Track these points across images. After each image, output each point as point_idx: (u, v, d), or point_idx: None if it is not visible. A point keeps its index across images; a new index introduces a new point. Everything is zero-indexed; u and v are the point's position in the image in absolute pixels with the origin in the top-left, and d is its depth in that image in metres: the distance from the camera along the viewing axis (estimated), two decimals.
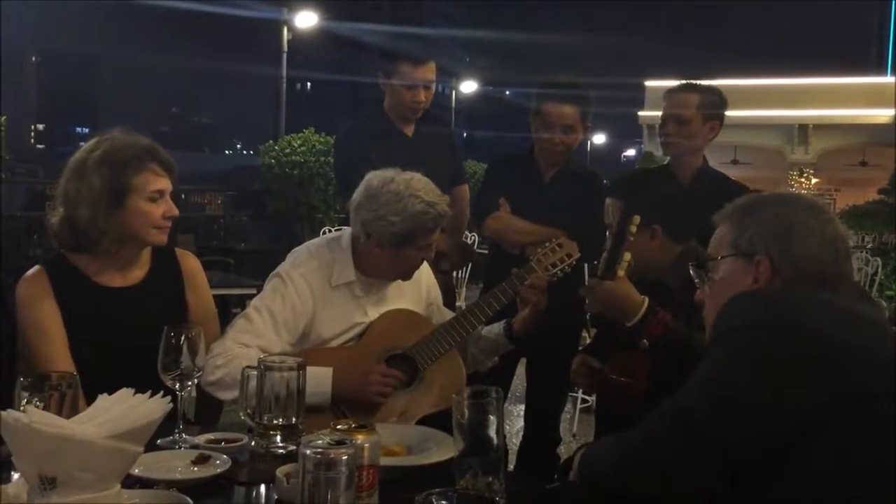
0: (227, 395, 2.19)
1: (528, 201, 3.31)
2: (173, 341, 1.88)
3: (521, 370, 3.49)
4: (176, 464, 1.69)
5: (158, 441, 1.79)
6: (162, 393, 1.39)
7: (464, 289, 8.77)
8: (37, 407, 1.44)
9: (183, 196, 12.92)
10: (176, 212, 2.27)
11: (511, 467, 3.19)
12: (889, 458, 1.37)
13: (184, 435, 1.86)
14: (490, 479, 1.47)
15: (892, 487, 1.36)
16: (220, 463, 1.69)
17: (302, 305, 2.32)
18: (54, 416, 1.30)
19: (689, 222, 2.34)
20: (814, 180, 20.53)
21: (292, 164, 12.58)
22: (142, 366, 1.86)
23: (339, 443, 1.32)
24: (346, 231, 2.45)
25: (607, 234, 2.34)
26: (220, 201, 14.50)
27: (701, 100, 3.14)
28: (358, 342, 2.37)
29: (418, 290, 2.53)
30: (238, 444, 1.83)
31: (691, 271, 1.77)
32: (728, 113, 3.23)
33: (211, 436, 1.87)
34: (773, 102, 19.63)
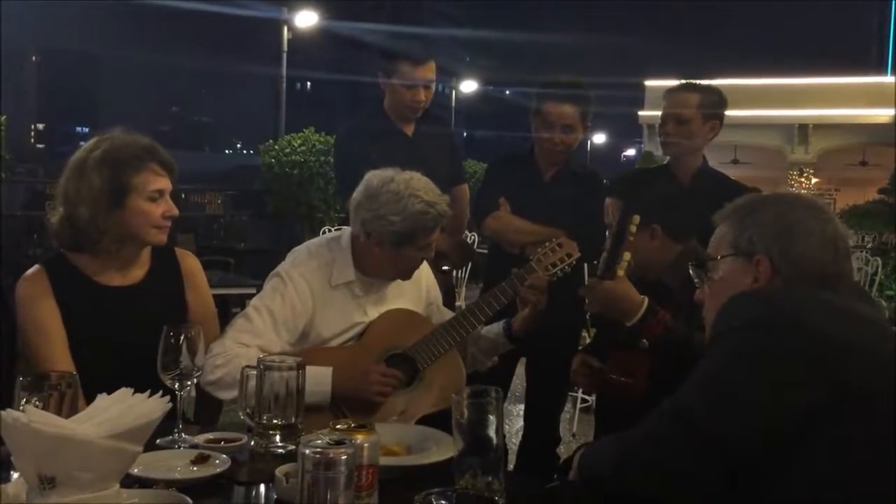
0: (226, 395, 2.19)
1: (528, 201, 3.31)
2: (173, 341, 1.88)
3: (520, 370, 3.49)
4: (175, 463, 1.68)
5: (158, 441, 1.78)
6: (161, 392, 1.39)
7: (463, 288, 8.77)
8: (36, 406, 1.44)
9: (183, 196, 12.92)
10: (176, 211, 2.27)
11: (511, 467, 3.19)
12: (889, 457, 1.36)
13: (183, 434, 1.86)
14: (490, 478, 1.47)
15: (892, 487, 1.36)
16: (220, 462, 1.69)
17: (301, 305, 2.32)
18: (53, 416, 1.30)
19: (689, 222, 2.33)
20: (814, 180, 20.55)
21: (292, 163, 12.58)
22: (141, 365, 1.86)
23: (339, 442, 1.32)
24: (346, 231, 2.44)
25: (607, 233, 2.34)
26: (219, 201, 14.50)
27: (701, 99, 3.14)
28: (357, 342, 2.37)
29: (418, 290, 2.53)
30: (237, 443, 1.83)
31: (691, 271, 1.77)
32: (728, 112, 3.22)
33: (210, 435, 1.87)
34: (773, 102, 19.64)
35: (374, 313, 2.39)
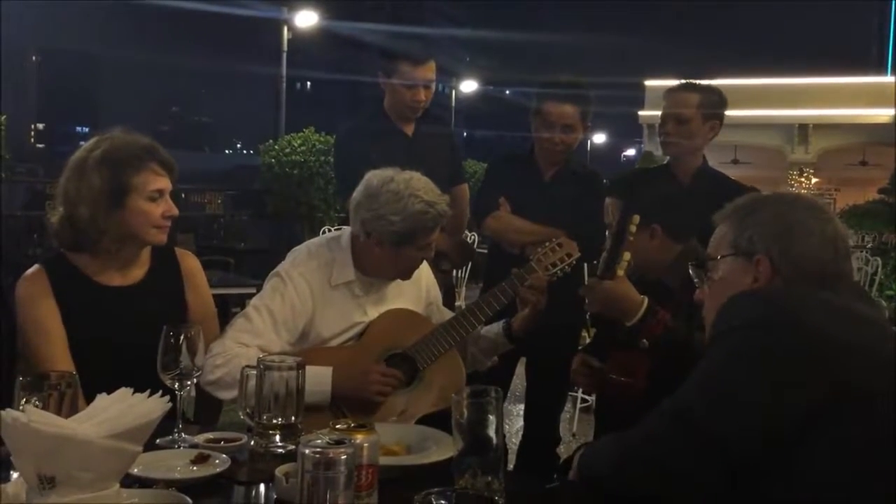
0: (226, 395, 2.19)
1: (528, 201, 3.31)
2: (172, 341, 1.88)
3: (520, 369, 3.49)
4: (175, 463, 1.68)
5: (157, 440, 1.78)
6: (161, 392, 1.39)
7: (463, 288, 8.77)
8: (36, 406, 1.44)
9: (183, 195, 12.92)
10: (176, 211, 2.27)
11: (511, 467, 3.19)
12: (889, 457, 1.36)
13: (183, 434, 1.86)
14: (489, 478, 1.47)
15: (892, 487, 1.36)
16: (220, 462, 1.69)
17: (301, 305, 2.32)
18: (53, 416, 1.30)
19: (689, 222, 2.33)
20: (814, 180, 20.55)
21: (292, 163, 12.58)
22: (141, 365, 1.86)
23: (339, 442, 1.32)
24: (346, 230, 2.44)
25: (607, 233, 2.34)
26: (219, 201, 14.49)
27: (701, 99, 3.14)
28: (357, 342, 2.37)
29: (418, 290, 2.53)
30: (237, 443, 1.83)
31: (691, 271, 1.77)
32: (728, 112, 3.22)
33: (210, 435, 1.87)
34: (773, 102, 19.64)
35: (373, 313, 2.39)
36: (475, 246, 8.46)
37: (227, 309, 5.10)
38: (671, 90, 3.23)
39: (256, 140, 17.06)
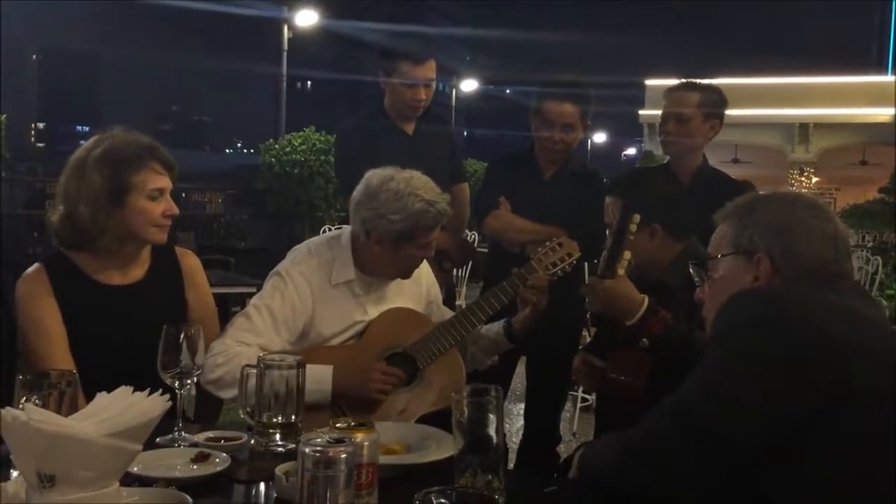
0: (226, 394, 2.19)
1: (529, 200, 3.31)
2: (173, 339, 1.88)
3: (521, 368, 3.49)
4: (175, 462, 1.69)
5: (158, 439, 1.78)
6: (161, 391, 1.39)
7: (464, 287, 8.77)
8: (36, 405, 1.44)
9: (183, 194, 12.95)
10: (176, 210, 2.27)
11: (511, 466, 3.19)
12: (889, 457, 1.36)
13: (183, 433, 1.86)
14: (490, 477, 1.47)
15: (892, 487, 1.36)
16: (220, 461, 1.69)
17: (301, 304, 2.32)
18: (53, 414, 1.30)
19: (689, 221, 2.34)
20: (814, 179, 20.58)
21: (293, 162, 12.59)
22: (141, 364, 1.86)
23: (339, 441, 1.31)
24: (346, 229, 2.44)
25: (607, 232, 2.34)
26: (220, 200, 14.52)
27: (701, 98, 3.14)
28: (358, 341, 2.37)
29: (418, 289, 2.53)
30: (237, 442, 1.83)
31: (691, 270, 1.77)
32: (728, 112, 3.23)
33: (210, 434, 1.87)
34: (773, 101, 19.65)
35: (374, 312, 2.39)
36: (475, 245, 8.46)
37: (228, 308, 5.09)
38: (672, 89, 3.23)
39: (257, 139, 17.06)
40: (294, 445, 1.64)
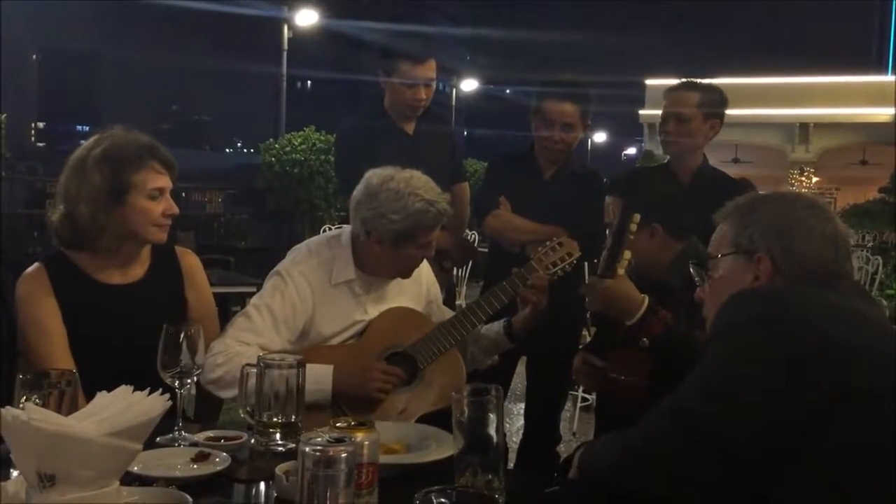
0: (227, 394, 2.19)
1: (529, 200, 3.31)
2: (173, 339, 1.88)
3: (521, 368, 3.49)
4: (175, 461, 1.69)
5: (158, 438, 1.78)
6: (161, 390, 1.39)
7: (464, 287, 8.77)
8: (36, 404, 1.43)
9: (183, 194, 12.95)
10: (176, 210, 2.27)
11: (511, 465, 3.19)
12: (889, 457, 1.36)
13: (183, 432, 1.86)
14: (490, 476, 1.47)
15: (892, 487, 1.36)
16: (220, 461, 1.69)
17: (301, 303, 2.32)
18: (53, 414, 1.30)
19: (689, 221, 2.33)
20: (814, 179, 20.58)
21: (293, 162, 12.59)
22: (141, 363, 1.86)
23: (339, 440, 1.31)
24: (346, 229, 2.44)
25: (607, 232, 2.34)
26: (220, 199, 14.52)
27: (701, 98, 3.14)
28: (358, 340, 2.37)
29: (418, 288, 2.53)
30: (238, 441, 1.83)
31: (692, 269, 1.77)
32: (729, 111, 3.22)
33: (210, 433, 1.87)
34: (773, 101, 19.65)
35: (374, 312, 2.39)
36: (475, 245, 8.46)
37: (228, 307, 5.09)
38: (672, 89, 3.23)
39: (257, 139, 17.07)
40: (294, 445, 1.64)
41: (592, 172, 3.54)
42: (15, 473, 1.42)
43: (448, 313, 2.54)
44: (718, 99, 3.18)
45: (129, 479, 1.47)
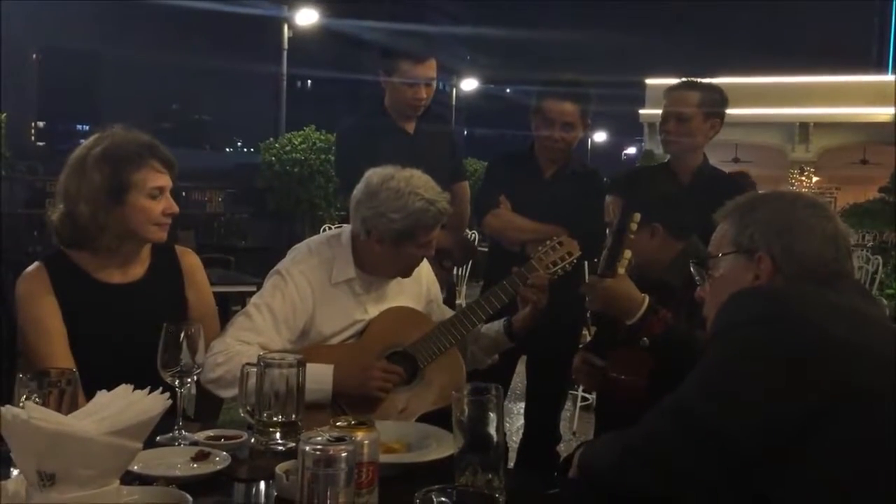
0: (227, 393, 2.19)
1: (529, 199, 3.31)
2: (173, 338, 1.88)
3: (521, 367, 3.49)
4: (175, 460, 1.69)
5: (158, 438, 1.78)
6: (161, 389, 1.39)
7: (464, 286, 8.77)
8: (36, 403, 1.43)
9: (183, 193, 12.94)
10: (176, 209, 2.27)
11: (511, 465, 3.19)
12: (889, 457, 1.36)
13: (183, 432, 1.86)
14: (490, 476, 1.47)
15: (892, 487, 1.36)
16: (220, 460, 1.68)
17: (302, 303, 2.32)
18: (53, 413, 1.30)
19: (690, 220, 2.33)
20: (814, 178, 20.57)
21: (293, 161, 12.60)
22: (141, 362, 1.86)
23: (339, 440, 1.31)
24: (346, 228, 2.44)
25: (608, 231, 2.34)
26: (220, 199, 14.51)
27: (702, 97, 3.14)
28: (358, 340, 2.37)
29: (419, 288, 2.53)
30: (238, 440, 1.83)
31: (692, 269, 1.77)
32: (729, 111, 3.22)
33: (210, 432, 1.87)
34: (774, 100, 19.63)
35: (374, 311, 2.39)
36: (476, 244, 8.45)
37: (228, 307, 5.09)
38: (672, 88, 3.23)
39: (257, 138, 17.07)
40: (294, 444, 1.64)
41: (592, 172, 3.54)
42: (15, 472, 1.42)
43: (448, 312, 2.54)
44: (719, 98, 3.18)
45: (130, 478, 1.47)
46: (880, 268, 8.71)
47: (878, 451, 1.37)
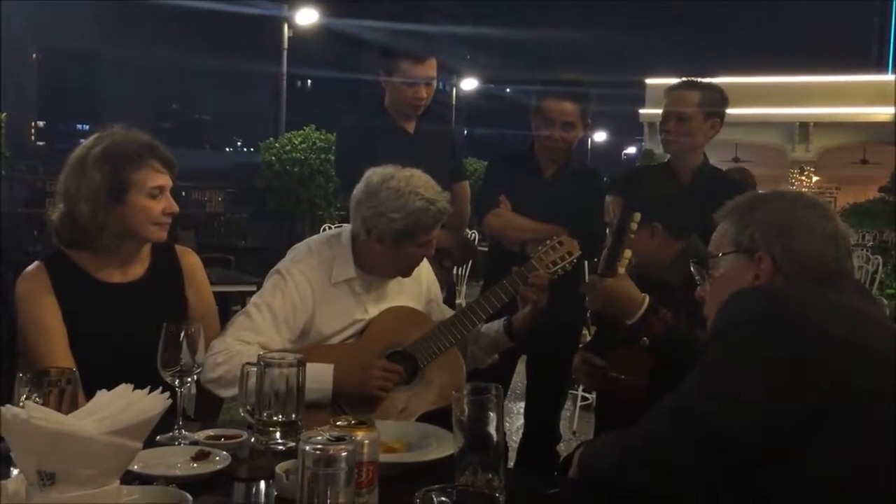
0: (227, 393, 2.19)
1: (529, 199, 3.31)
2: (173, 337, 1.88)
3: (521, 367, 3.49)
4: (175, 460, 1.69)
5: (158, 437, 1.78)
6: (161, 389, 1.39)
7: (464, 286, 8.77)
8: (36, 403, 1.44)
9: (183, 193, 12.94)
10: (176, 208, 2.27)
11: (511, 464, 3.19)
12: (890, 456, 1.36)
13: (183, 431, 1.86)
14: (490, 475, 1.47)
15: (892, 487, 1.36)
16: (220, 459, 1.68)
17: (302, 302, 2.32)
18: (53, 412, 1.30)
19: (690, 220, 2.33)
20: (815, 178, 20.57)
21: (293, 161, 12.60)
22: (141, 362, 1.86)
23: (339, 439, 1.31)
24: (346, 228, 2.44)
25: (608, 231, 2.34)
26: (220, 198, 14.51)
27: (702, 97, 3.14)
28: (358, 339, 2.37)
29: (419, 287, 2.53)
30: (238, 440, 1.83)
31: (692, 268, 1.77)
32: (729, 110, 3.22)
33: (210, 432, 1.87)
34: (774, 100, 19.63)
35: (374, 311, 2.39)
36: (476, 243, 8.45)
37: (228, 306, 5.09)
38: (672, 88, 3.23)
39: (257, 137, 17.08)
40: (294, 444, 1.64)
41: (593, 171, 3.54)
42: (15, 472, 1.42)
43: (448, 312, 2.54)
44: (719, 98, 3.18)
45: (130, 478, 1.47)
46: (880, 268, 8.71)
47: (878, 450, 1.37)
